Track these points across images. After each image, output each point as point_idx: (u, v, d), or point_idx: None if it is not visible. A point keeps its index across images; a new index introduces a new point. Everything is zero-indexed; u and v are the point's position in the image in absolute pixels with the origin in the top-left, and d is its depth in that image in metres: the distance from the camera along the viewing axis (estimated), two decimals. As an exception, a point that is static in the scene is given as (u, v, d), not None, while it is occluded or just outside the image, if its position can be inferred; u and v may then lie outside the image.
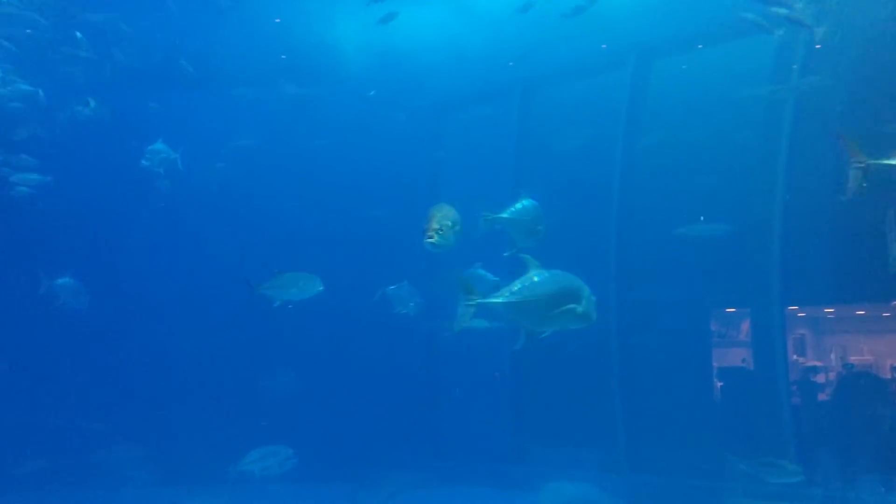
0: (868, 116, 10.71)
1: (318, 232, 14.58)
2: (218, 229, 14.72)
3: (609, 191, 14.06)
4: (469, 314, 5.76)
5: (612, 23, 13.05)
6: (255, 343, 14.41)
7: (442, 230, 6.31)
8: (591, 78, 14.78)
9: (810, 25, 10.25)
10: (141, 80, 14.69)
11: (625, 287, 13.65)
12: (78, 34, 13.00)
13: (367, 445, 14.01)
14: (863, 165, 6.79)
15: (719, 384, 13.49)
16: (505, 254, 7.02)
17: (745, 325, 13.54)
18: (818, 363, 14.49)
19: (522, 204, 7.13)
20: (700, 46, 13.51)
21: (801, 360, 14.47)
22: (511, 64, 14.90)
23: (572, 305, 5.88)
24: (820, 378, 13.94)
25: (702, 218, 12.39)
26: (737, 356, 13.58)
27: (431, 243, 6.27)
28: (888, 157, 6.69)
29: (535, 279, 5.90)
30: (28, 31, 12.67)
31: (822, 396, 13.17)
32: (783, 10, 9.73)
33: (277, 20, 14.48)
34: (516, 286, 5.88)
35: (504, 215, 7.07)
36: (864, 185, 6.92)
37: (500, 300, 5.85)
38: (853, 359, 14.01)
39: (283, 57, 14.98)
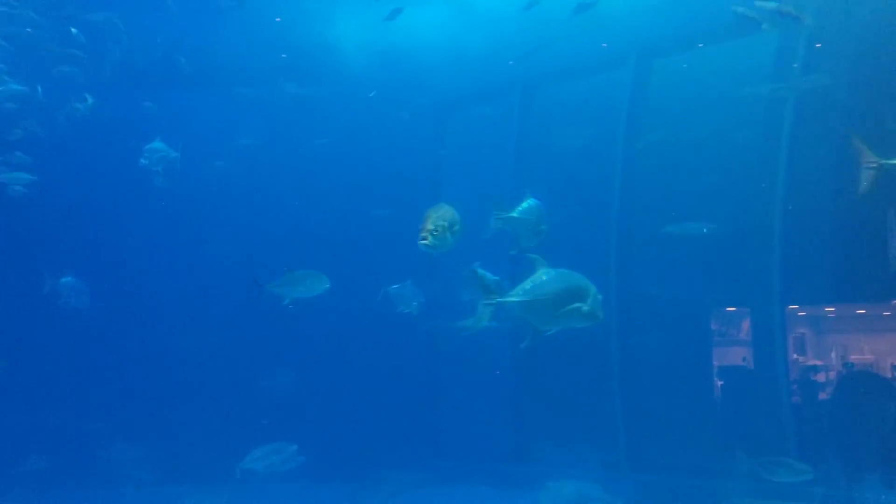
0: (869, 115, 10.72)
1: (318, 231, 14.57)
2: (219, 228, 14.72)
3: (609, 190, 14.05)
4: (488, 313, 5.79)
5: (613, 22, 13.05)
6: (256, 342, 14.40)
7: (437, 231, 6.24)
8: (591, 77, 14.77)
9: (800, 17, 10.23)
10: (141, 80, 14.68)
11: (625, 286, 13.64)
12: (74, 30, 12.98)
13: (367, 445, 14.00)
14: (875, 166, 6.81)
15: (720, 383, 13.50)
16: (511, 252, 7.02)
17: (746, 324, 13.54)
18: (819, 362, 14.49)
19: (527, 203, 7.13)
20: (700, 45, 13.51)
21: (801, 359, 14.47)
22: (511, 63, 14.89)
23: (580, 304, 5.89)
24: (820, 377, 13.95)
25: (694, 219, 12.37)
26: (737, 355, 13.59)
27: (425, 245, 6.21)
28: None
29: (544, 278, 5.92)
30: (28, 29, 12.66)
31: (822, 395, 13.18)
32: (772, 4, 9.71)
33: (278, 19, 14.48)
34: (527, 285, 5.90)
35: (514, 214, 7.07)
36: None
37: (515, 299, 5.86)
38: (854, 358, 14.03)
39: (283, 56, 14.98)
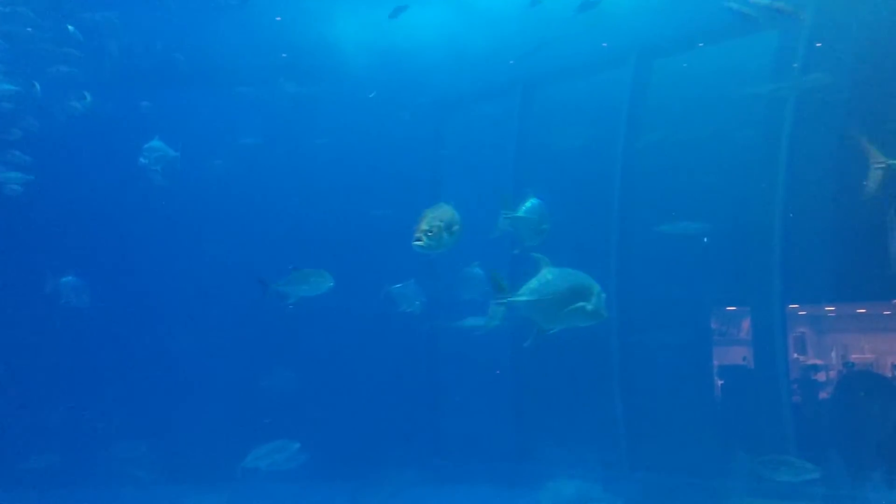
0: (870, 115, 10.72)
1: (318, 231, 14.56)
2: (219, 228, 14.70)
3: (610, 189, 14.06)
4: (501, 312, 5.83)
5: (613, 21, 13.05)
6: (258, 341, 14.40)
7: (431, 232, 6.15)
8: (592, 76, 14.77)
9: (793, 14, 10.21)
10: (141, 79, 14.67)
11: (626, 285, 13.65)
12: (70, 27, 12.97)
13: (368, 444, 14.00)
14: (883, 166, 6.83)
15: (720, 382, 13.50)
16: (514, 251, 7.04)
17: (746, 324, 13.54)
18: (819, 361, 14.47)
19: (530, 203, 7.14)
20: (701, 45, 13.51)
21: (801, 358, 14.46)
22: (512, 62, 14.89)
23: (584, 303, 5.92)
24: (821, 376, 13.94)
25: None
26: (737, 354, 13.58)
27: (419, 246, 6.13)
28: None
29: (549, 277, 5.96)
30: (29, 29, 12.65)
31: (822, 395, 13.18)
32: (766, 0, 9.70)
33: (278, 18, 14.47)
34: (534, 284, 5.92)
35: (520, 214, 7.08)
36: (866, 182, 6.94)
37: (524, 298, 5.89)
38: (854, 357, 14.01)
39: (283, 55, 14.97)
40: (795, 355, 14.05)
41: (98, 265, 13.85)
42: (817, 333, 14.81)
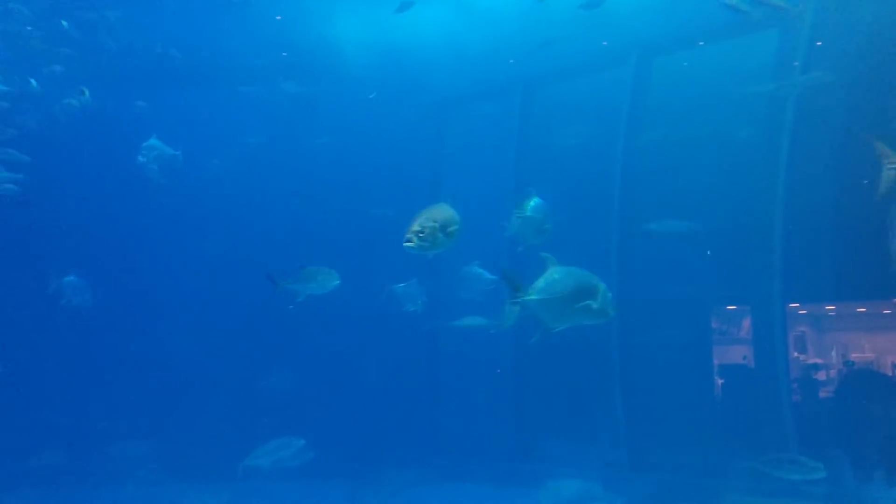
0: (870, 113, 10.72)
1: (319, 230, 14.57)
2: (220, 227, 14.70)
3: (611, 188, 14.06)
4: (515, 312, 5.83)
5: (614, 20, 13.03)
6: (259, 340, 14.40)
7: (423, 232, 6.04)
8: (592, 75, 14.77)
9: (789, 10, 10.20)
10: (141, 77, 14.67)
11: (626, 284, 13.64)
12: (64, 22, 12.97)
13: (368, 443, 14.01)
14: None
15: (720, 381, 13.51)
16: (517, 250, 7.04)
17: (746, 323, 13.55)
18: (819, 360, 14.51)
19: (534, 202, 7.14)
20: (701, 43, 13.51)
21: (802, 357, 14.49)
22: (512, 62, 14.89)
23: (591, 301, 5.94)
24: (821, 375, 13.97)
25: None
26: (738, 353, 13.59)
27: (410, 247, 6.03)
28: None
29: (556, 276, 5.98)
30: (28, 28, 12.65)
31: (823, 394, 13.19)
32: None
33: (278, 17, 14.46)
34: (541, 283, 5.94)
35: (528, 213, 7.08)
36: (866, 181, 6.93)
37: (535, 297, 5.92)
38: (854, 356, 14.06)
39: (284, 55, 14.97)
40: (796, 354, 14.09)
41: (98, 265, 13.86)
42: (818, 332, 14.86)
